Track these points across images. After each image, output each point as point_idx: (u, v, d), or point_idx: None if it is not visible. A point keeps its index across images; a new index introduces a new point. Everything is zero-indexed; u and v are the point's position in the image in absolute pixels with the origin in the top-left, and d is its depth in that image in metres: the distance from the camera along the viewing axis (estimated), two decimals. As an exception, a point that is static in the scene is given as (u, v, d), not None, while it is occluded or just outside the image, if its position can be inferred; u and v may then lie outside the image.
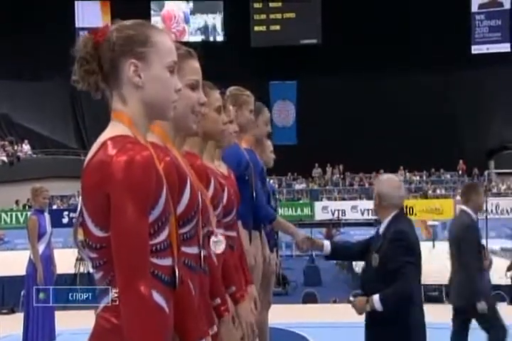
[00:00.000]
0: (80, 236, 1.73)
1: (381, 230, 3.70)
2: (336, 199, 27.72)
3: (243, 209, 3.21)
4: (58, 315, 6.77)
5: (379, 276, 3.54)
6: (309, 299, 10.68)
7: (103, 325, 1.61)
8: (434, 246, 15.89)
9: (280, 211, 20.31)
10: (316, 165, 31.17)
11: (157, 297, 1.64)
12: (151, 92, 1.73)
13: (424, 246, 7.17)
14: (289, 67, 30.89)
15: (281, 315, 6.89)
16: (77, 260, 11.20)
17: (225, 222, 2.76)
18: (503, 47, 32.65)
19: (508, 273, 7.13)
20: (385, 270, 3.51)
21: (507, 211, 24.65)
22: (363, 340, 3.72)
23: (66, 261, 9.93)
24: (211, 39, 35.89)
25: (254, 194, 3.67)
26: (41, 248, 6.68)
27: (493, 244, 12.98)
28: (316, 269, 13.52)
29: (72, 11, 33.50)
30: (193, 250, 1.97)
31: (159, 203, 1.65)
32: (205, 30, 35.94)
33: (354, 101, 31.49)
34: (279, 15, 35.05)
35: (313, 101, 30.69)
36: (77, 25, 32.97)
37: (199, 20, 36.00)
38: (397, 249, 3.51)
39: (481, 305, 4.80)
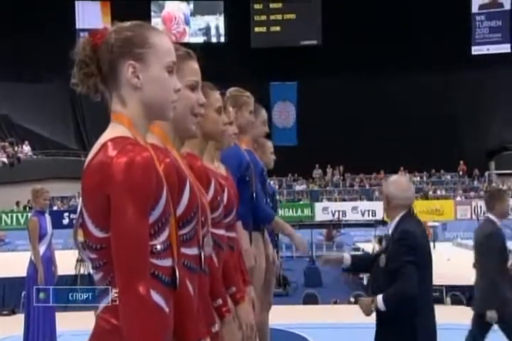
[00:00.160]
0: (80, 237, 1.73)
1: (390, 231, 3.72)
2: (336, 200, 27.66)
3: (243, 209, 3.21)
4: (59, 316, 6.76)
5: (385, 277, 3.56)
6: (310, 300, 10.66)
7: (103, 325, 1.62)
8: (434, 246, 15.87)
9: (280, 212, 20.29)
10: (317, 166, 31.14)
11: (156, 297, 1.64)
12: (149, 93, 1.73)
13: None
14: (289, 68, 30.88)
15: (281, 315, 6.90)
16: (77, 261, 11.17)
17: (225, 222, 2.76)
18: (504, 48, 32.65)
19: None
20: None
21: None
22: (363, 341, 3.74)
23: (66, 262, 9.91)
24: (213, 40, 35.89)
25: (254, 195, 3.68)
26: (42, 249, 6.68)
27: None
28: (316, 270, 13.48)
29: (72, 12, 33.46)
30: (192, 251, 1.97)
31: (159, 204, 1.66)
32: (206, 31, 35.95)
33: (354, 101, 31.47)
34: (279, 16, 35.05)
35: (314, 102, 30.66)
36: (77, 26, 32.96)
37: (199, 21, 36.01)
38: (399, 248, 3.52)
39: (491, 314, 4.85)
